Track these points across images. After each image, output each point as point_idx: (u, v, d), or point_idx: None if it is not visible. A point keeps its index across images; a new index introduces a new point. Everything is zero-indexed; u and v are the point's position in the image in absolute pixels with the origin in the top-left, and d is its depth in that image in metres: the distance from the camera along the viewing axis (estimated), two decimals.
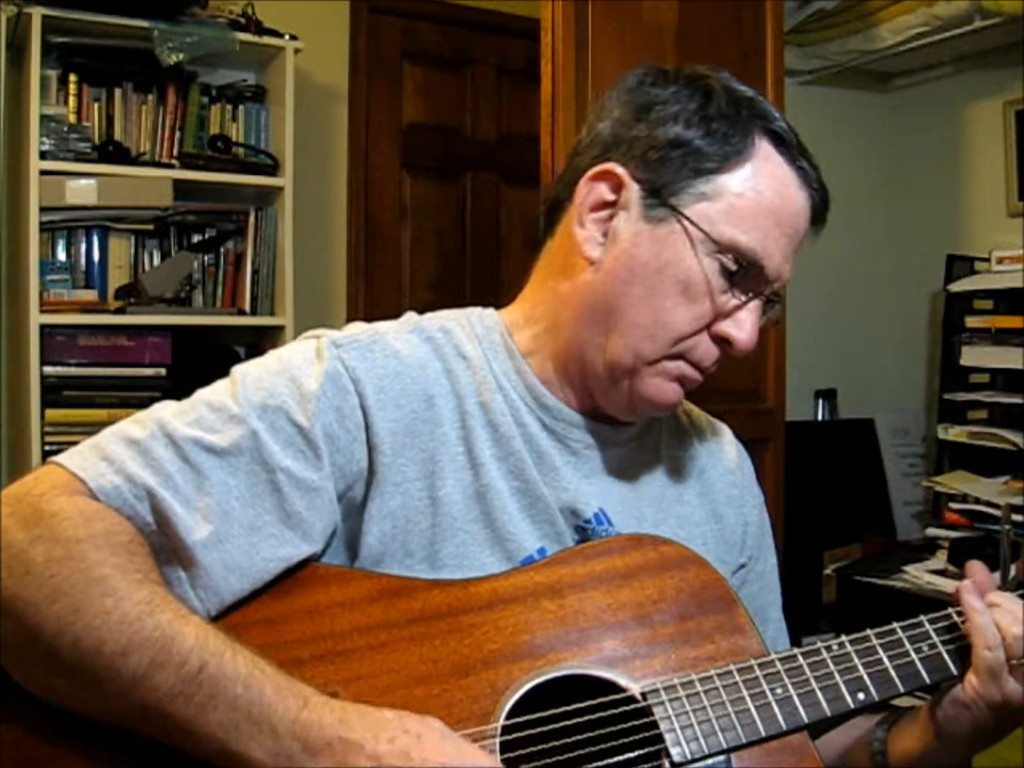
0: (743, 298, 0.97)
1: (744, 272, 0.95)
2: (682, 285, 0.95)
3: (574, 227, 1.00)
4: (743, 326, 0.97)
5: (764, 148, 0.97)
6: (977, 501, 2.61)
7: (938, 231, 3.16)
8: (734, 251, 0.95)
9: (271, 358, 0.96)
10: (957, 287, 2.83)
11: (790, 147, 0.98)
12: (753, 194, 0.95)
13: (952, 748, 0.97)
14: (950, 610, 0.97)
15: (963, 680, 0.94)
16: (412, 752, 0.76)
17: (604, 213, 0.99)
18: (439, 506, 0.95)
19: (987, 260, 2.78)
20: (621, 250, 0.97)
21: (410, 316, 1.05)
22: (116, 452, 0.86)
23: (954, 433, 2.79)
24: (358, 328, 1.00)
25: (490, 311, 1.08)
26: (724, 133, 0.96)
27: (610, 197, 0.98)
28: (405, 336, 1.00)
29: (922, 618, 0.97)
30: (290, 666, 0.82)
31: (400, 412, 0.95)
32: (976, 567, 0.99)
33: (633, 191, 0.97)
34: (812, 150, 1.00)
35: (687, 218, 0.95)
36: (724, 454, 1.15)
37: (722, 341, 0.98)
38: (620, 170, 0.98)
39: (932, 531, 2.73)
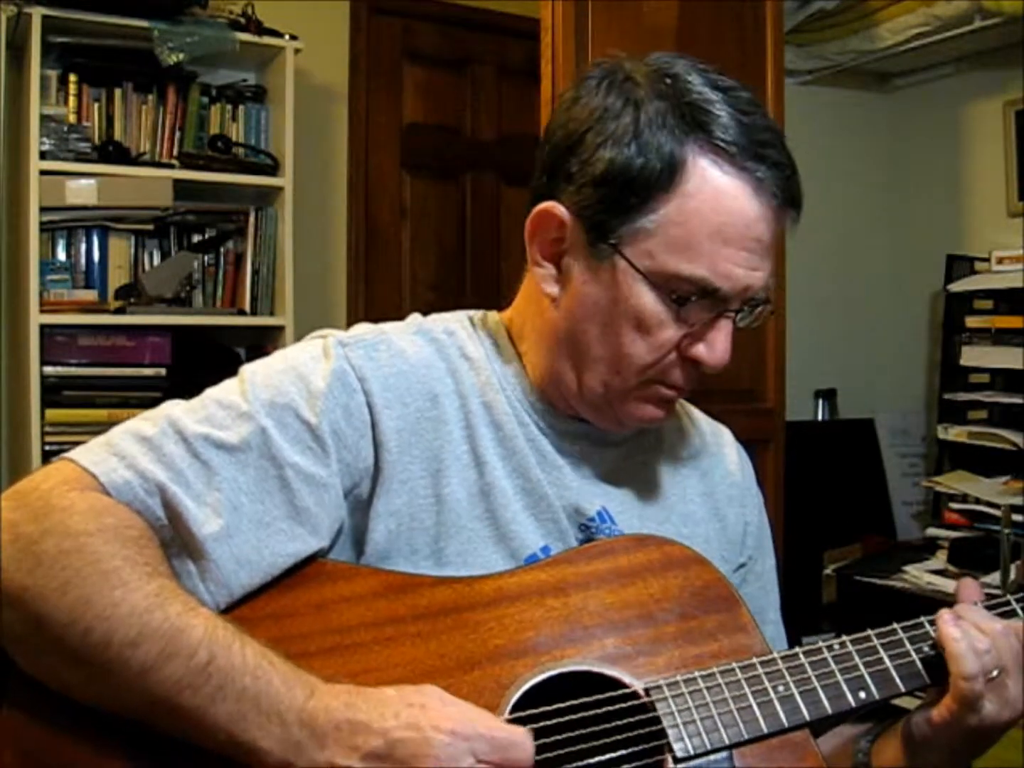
0: (707, 318, 0.95)
1: (699, 299, 0.93)
2: (635, 321, 0.94)
3: (531, 264, 1.00)
4: (713, 345, 0.95)
5: (700, 165, 0.91)
6: (977, 501, 2.60)
7: (938, 231, 3.16)
8: (681, 282, 0.92)
9: (278, 357, 0.97)
10: (957, 287, 2.83)
11: (735, 155, 0.91)
12: (695, 220, 0.91)
13: (928, 765, 0.96)
14: None
15: (938, 703, 0.92)
16: (420, 722, 0.77)
17: (555, 249, 0.98)
18: (444, 504, 0.95)
19: (987, 260, 2.77)
20: (574, 289, 0.97)
21: (414, 317, 1.06)
22: (127, 448, 0.87)
23: (954, 433, 2.78)
24: (364, 328, 1.01)
25: (493, 313, 1.09)
26: (656, 153, 0.91)
27: (555, 235, 0.97)
28: (410, 337, 1.01)
29: (923, 619, 0.97)
30: (297, 660, 0.82)
31: (405, 411, 0.96)
32: (964, 584, 0.99)
33: (575, 229, 0.96)
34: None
35: (626, 258, 0.93)
36: (725, 456, 1.16)
37: (694, 361, 0.96)
38: (559, 210, 0.96)
39: (932, 531, 2.72)
